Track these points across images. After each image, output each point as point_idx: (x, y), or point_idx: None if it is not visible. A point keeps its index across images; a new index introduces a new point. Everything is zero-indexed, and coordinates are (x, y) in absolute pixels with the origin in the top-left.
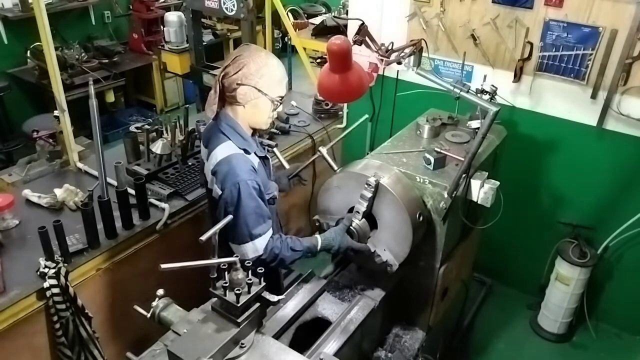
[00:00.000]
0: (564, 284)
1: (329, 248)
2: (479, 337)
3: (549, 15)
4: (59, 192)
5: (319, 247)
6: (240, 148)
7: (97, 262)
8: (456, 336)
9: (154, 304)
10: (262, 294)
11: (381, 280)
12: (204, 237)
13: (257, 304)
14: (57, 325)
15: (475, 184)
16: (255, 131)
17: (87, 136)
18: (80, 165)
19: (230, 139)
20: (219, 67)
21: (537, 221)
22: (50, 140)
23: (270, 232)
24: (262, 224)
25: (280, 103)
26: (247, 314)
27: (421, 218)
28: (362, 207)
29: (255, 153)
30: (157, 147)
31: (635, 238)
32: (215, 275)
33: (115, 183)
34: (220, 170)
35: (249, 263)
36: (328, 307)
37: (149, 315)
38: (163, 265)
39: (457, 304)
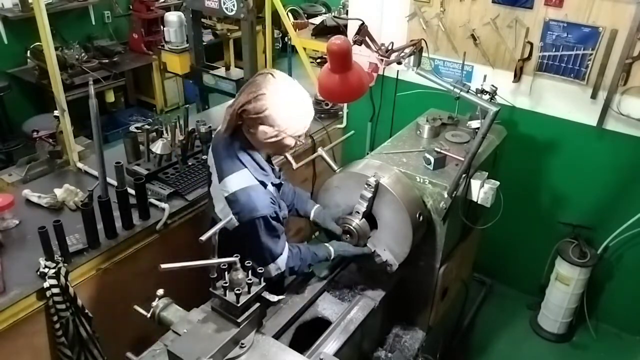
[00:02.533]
0: (564, 284)
1: (341, 256)
2: (479, 337)
3: (549, 15)
4: (59, 192)
5: (332, 256)
6: (257, 180)
7: (97, 262)
8: (456, 336)
9: (153, 304)
10: (262, 294)
11: (381, 280)
12: (203, 237)
13: (257, 304)
14: (57, 325)
15: (475, 184)
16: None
17: (87, 136)
18: (80, 165)
19: (247, 168)
20: (219, 67)
21: (537, 221)
22: (50, 140)
23: (286, 246)
24: (278, 242)
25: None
26: (247, 314)
27: (421, 218)
28: (362, 207)
29: (272, 181)
30: (157, 147)
31: (635, 238)
32: (215, 275)
33: (115, 183)
34: (238, 201)
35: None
36: (328, 307)
37: (148, 315)
38: (163, 266)
39: (457, 304)
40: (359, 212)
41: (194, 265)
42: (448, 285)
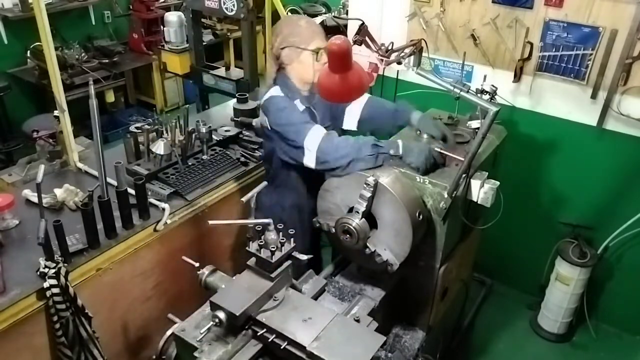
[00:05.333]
0: (564, 284)
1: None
2: (479, 337)
3: (549, 15)
4: (59, 192)
5: (392, 152)
6: (282, 95)
7: (97, 262)
8: (456, 336)
9: (199, 272)
10: (293, 253)
11: (381, 280)
12: (244, 199)
13: (289, 262)
14: (57, 325)
15: (475, 184)
16: (311, 87)
17: (87, 136)
18: (80, 165)
19: (278, 86)
20: (219, 67)
21: (537, 221)
22: (50, 140)
23: (318, 131)
24: (309, 127)
25: (320, 54)
26: (279, 270)
27: (421, 217)
28: (362, 207)
29: (299, 101)
30: (157, 147)
31: (635, 238)
32: (251, 235)
33: (115, 183)
34: (265, 104)
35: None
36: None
37: (197, 265)
38: (211, 222)
39: (457, 304)
40: (358, 212)
41: (239, 223)
42: (448, 285)
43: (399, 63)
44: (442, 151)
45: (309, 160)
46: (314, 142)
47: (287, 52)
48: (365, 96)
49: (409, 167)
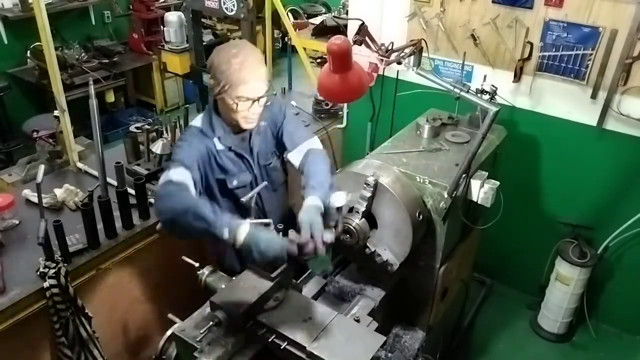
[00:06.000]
0: (564, 284)
1: (249, 247)
2: (479, 337)
3: (549, 15)
4: (59, 192)
5: (230, 237)
6: (197, 126)
7: (97, 262)
8: (456, 336)
9: (199, 272)
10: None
11: (381, 280)
12: (244, 199)
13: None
14: (57, 325)
15: (475, 184)
16: (240, 131)
17: (87, 136)
18: (80, 165)
19: (200, 115)
20: None
21: (537, 221)
22: (50, 140)
23: (172, 174)
24: (176, 168)
25: (253, 100)
26: (279, 270)
27: (421, 217)
28: (362, 206)
29: (219, 139)
30: (157, 147)
31: (635, 238)
32: None
33: (115, 183)
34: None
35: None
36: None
37: (197, 265)
38: None
39: (457, 304)
40: (358, 212)
41: None
42: (448, 285)
43: (399, 63)
44: (293, 239)
45: (159, 182)
46: (160, 182)
47: (210, 83)
48: (315, 146)
49: (250, 259)
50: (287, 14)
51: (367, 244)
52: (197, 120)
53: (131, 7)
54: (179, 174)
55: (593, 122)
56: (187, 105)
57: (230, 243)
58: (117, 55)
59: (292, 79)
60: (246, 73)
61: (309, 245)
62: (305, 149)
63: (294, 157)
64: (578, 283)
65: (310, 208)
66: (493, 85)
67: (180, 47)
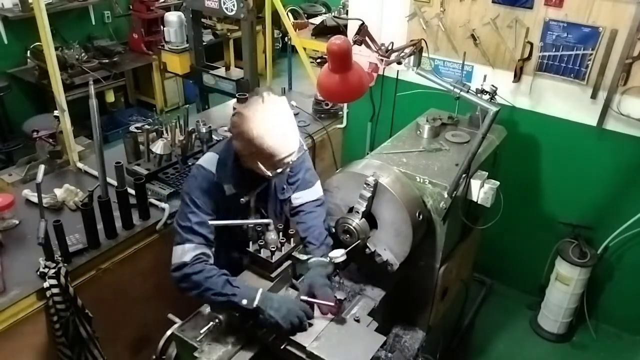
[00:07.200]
0: (564, 284)
1: (261, 314)
2: (479, 337)
3: (549, 15)
4: (59, 192)
5: (245, 303)
6: (213, 171)
7: (97, 262)
8: (456, 336)
9: None
10: (292, 253)
11: (381, 280)
12: (244, 199)
13: (289, 262)
14: (57, 325)
15: (475, 184)
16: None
17: (87, 136)
18: (80, 165)
19: (216, 154)
20: (219, 67)
21: (537, 221)
22: (50, 140)
23: (194, 248)
24: (185, 240)
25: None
26: (279, 269)
27: (421, 217)
28: (362, 206)
29: (232, 185)
30: (157, 147)
31: (635, 238)
32: (251, 235)
33: (115, 183)
34: (194, 166)
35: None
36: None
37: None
38: (211, 222)
39: (457, 304)
40: (358, 212)
41: (239, 223)
42: (448, 285)
43: (399, 63)
44: (308, 299)
45: (174, 259)
46: (174, 259)
47: (239, 148)
48: (317, 195)
49: (268, 323)
50: (287, 14)
51: (367, 244)
52: (209, 158)
53: (131, 7)
54: (192, 250)
55: (593, 122)
56: (187, 105)
57: (250, 309)
58: (117, 55)
59: (292, 79)
60: (279, 146)
61: (323, 308)
62: (307, 198)
63: (295, 198)
64: (578, 283)
65: (317, 270)
66: (493, 85)
67: (180, 47)
